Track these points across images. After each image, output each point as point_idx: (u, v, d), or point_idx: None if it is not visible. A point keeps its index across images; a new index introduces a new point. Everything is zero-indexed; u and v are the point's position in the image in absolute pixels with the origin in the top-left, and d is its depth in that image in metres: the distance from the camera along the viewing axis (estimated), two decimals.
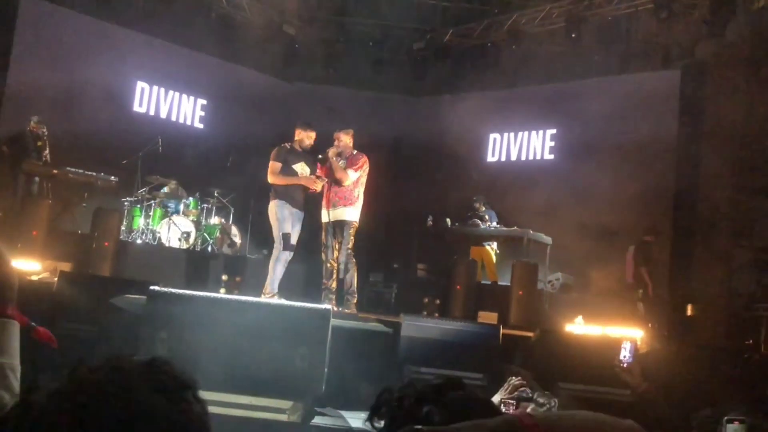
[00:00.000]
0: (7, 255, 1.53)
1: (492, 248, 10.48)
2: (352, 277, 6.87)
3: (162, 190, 10.46)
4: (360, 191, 6.97)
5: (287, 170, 6.81)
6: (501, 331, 5.88)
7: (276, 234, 6.79)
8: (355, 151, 7.04)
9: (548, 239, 10.00)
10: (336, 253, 6.93)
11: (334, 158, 6.88)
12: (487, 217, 10.36)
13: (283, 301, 6.16)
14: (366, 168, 6.98)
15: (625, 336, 4.61)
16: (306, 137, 6.97)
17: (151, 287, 3.54)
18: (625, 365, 3.56)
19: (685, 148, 10.63)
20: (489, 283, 10.23)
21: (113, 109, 11.30)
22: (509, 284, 8.91)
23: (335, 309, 6.74)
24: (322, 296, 6.92)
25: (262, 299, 3.66)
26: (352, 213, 6.88)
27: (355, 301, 6.89)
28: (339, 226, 6.90)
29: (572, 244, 10.24)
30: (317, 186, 6.84)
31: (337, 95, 12.37)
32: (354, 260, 6.91)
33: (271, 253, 6.92)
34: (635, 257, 9.50)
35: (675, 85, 10.79)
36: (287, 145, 6.95)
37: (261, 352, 3.58)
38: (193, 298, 3.49)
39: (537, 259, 9.51)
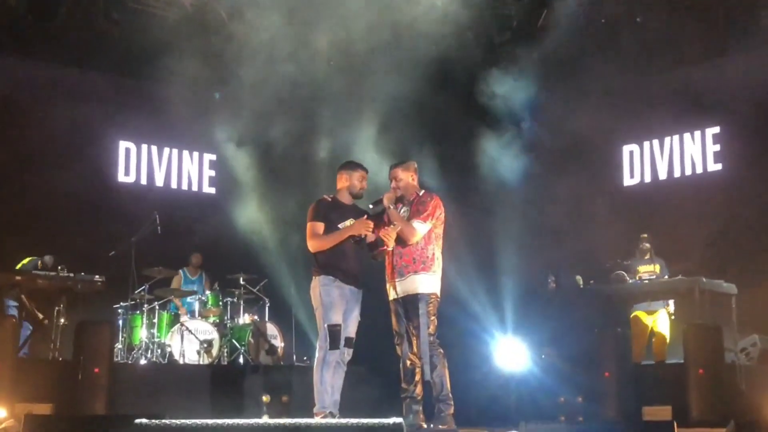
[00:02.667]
0: None
1: (668, 310, 10.11)
2: (442, 377, 6.62)
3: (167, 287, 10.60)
4: (436, 249, 6.79)
5: (332, 231, 6.73)
6: (676, 431, 5.54)
7: (320, 325, 6.66)
8: (421, 192, 6.93)
9: (731, 287, 9.52)
10: (415, 344, 6.73)
11: (391, 207, 6.79)
12: (656, 266, 10.06)
13: (336, 420, 5.95)
14: (440, 214, 6.81)
15: None
16: (357, 180, 6.92)
17: (137, 420, 3.42)
18: None
19: None
20: (652, 363, 9.82)
21: (89, 182, 11.59)
22: (682, 361, 8.50)
23: (424, 426, 6.59)
24: (403, 409, 6.72)
25: (304, 420, 3.48)
26: (428, 282, 6.68)
27: (451, 411, 6.62)
28: (411, 303, 6.69)
29: (767, 289, 9.77)
30: (369, 228, 6.72)
31: (391, 119, 12.20)
32: (441, 350, 6.68)
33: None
34: None
35: None
36: (328, 197, 6.89)
37: None
38: (197, 430, 3.34)
39: (718, 318, 9.05)
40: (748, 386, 8.66)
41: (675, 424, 5.69)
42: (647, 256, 10.25)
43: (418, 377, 6.75)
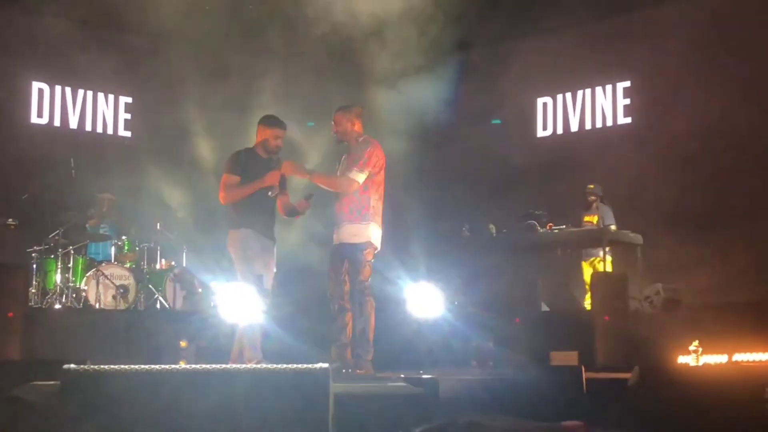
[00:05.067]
0: None
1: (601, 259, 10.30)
2: (366, 322, 6.68)
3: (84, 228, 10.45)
4: (372, 198, 6.75)
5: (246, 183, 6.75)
6: (584, 375, 5.72)
7: (241, 278, 6.67)
8: (361, 138, 6.87)
9: (637, 237, 9.82)
10: (346, 289, 6.78)
11: (311, 174, 6.86)
12: (595, 217, 10.29)
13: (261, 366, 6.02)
14: (378, 161, 6.75)
15: None
16: (272, 137, 6.86)
17: (65, 366, 3.44)
18: None
19: None
20: (560, 310, 10.08)
21: (0, 123, 11.26)
22: (588, 309, 8.76)
23: (343, 370, 6.65)
24: (332, 353, 6.75)
25: (233, 366, 3.55)
26: (361, 231, 6.69)
27: (370, 356, 6.71)
28: (344, 251, 6.75)
29: (671, 240, 10.07)
30: (276, 180, 6.72)
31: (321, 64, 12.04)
32: (370, 298, 6.73)
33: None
34: None
35: None
36: (245, 150, 6.91)
37: None
38: (128, 375, 3.38)
39: (624, 267, 9.33)
40: (650, 333, 8.97)
41: (583, 369, 5.90)
42: (593, 206, 10.48)
43: (346, 320, 6.78)
